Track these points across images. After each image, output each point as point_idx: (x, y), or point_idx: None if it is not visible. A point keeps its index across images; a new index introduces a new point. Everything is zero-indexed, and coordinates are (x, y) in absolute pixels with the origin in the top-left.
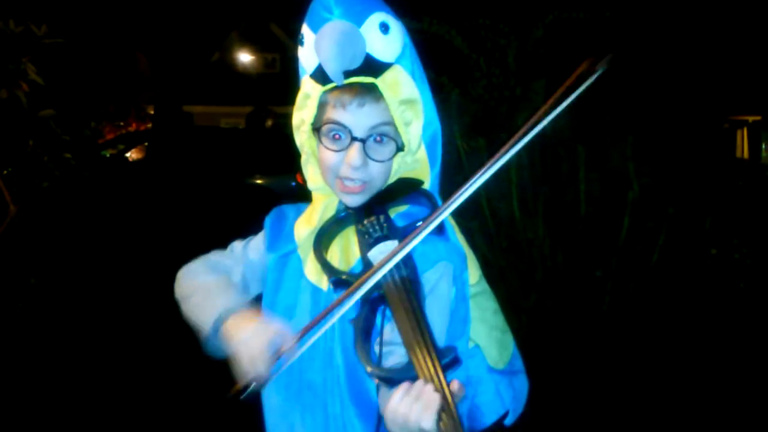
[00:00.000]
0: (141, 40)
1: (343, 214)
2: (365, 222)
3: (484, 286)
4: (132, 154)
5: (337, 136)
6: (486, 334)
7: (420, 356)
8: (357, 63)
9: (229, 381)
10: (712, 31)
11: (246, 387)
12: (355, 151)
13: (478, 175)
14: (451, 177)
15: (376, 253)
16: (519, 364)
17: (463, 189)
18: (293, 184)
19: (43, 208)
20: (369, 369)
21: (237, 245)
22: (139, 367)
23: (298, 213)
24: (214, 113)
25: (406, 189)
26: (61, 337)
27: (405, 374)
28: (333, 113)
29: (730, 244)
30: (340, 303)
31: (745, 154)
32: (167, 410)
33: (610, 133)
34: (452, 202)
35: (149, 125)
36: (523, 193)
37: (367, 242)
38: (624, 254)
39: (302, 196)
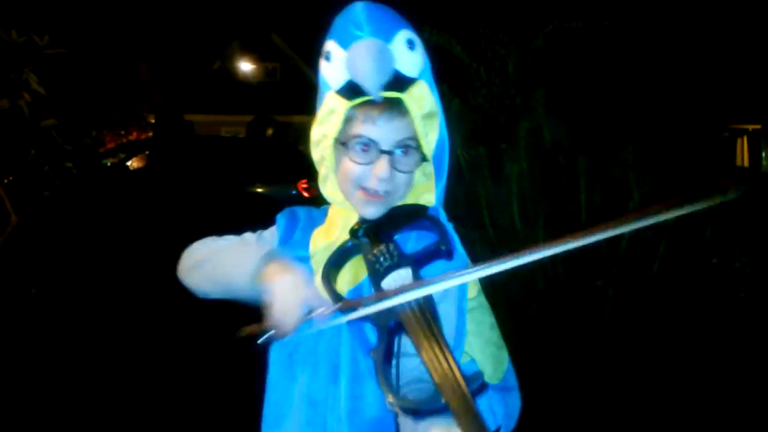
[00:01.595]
0: (142, 50)
1: (349, 244)
2: (375, 251)
3: (482, 300)
4: (133, 163)
5: (364, 149)
6: (481, 349)
7: (448, 386)
8: (386, 79)
9: (228, 392)
10: (712, 41)
11: (264, 333)
12: (383, 163)
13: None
14: (451, 187)
15: (390, 282)
16: (513, 380)
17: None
18: (294, 192)
19: (45, 218)
20: (393, 400)
21: (249, 235)
22: (140, 376)
23: (310, 217)
24: (215, 122)
25: (411, 215)
26: (63, 347)
27: (432, 405)
28: (361, 128)
29: (731, 253)
30: (382, 298)
31: (746, 163)
32: (165, 422)
33: (610, 142)
34: (487, 267)
35: (150, 134)
36: (524, 203)
37: (378, 271)
38: (624, 264)
39: (302, 204)
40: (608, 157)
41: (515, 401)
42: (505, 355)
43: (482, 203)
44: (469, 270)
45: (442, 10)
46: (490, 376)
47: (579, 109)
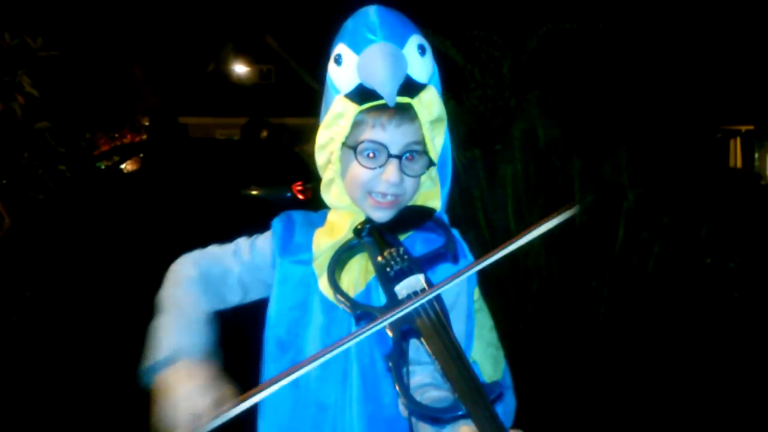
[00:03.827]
0: (136, 52)
1: (354, 242)
2: (385, 254)
3: (482, 304)
4: (127, 166)
5: (372, 155)
6: (482, 351)
7: (469, 394)
8: (399, 83)
9: None
10: (705, 42)
11: None
12: (393, 167)
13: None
14: (448, 189)
15: (401, 288)
16: (509, 380)
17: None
18: (288, 194)
19: (39, 221)
20: (413, 407)
21: (243, 243)
22: (134, 380)
23: (308, 219)
24: (209, 124)
25: (418, 219)
26: (57, 351)
27: (453, 412)
28: (371, 133)
29: (725, 253)
30: (358, 335)
31: (739, 164)
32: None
33: (604, 143)
34: (487, 259)
35: (144, 136)
36: (519, 204)
37: (388, 275)
38: (619, 264)
39: (297, 207)
40: (602, 158)
41: (512, 400)
42: (502, 356)
43: (477, 204)
44: (470, 265)
45: (437, 12)
46: (491, 376)
47: (573, 111)
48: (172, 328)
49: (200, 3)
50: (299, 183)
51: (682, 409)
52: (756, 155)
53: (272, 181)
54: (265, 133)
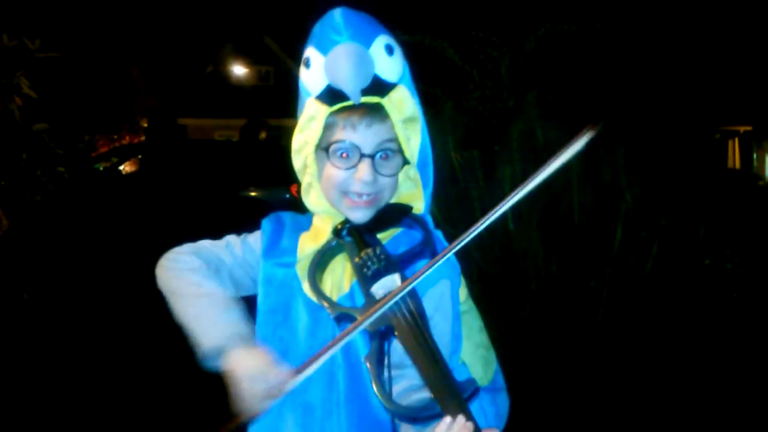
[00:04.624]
0: (134, 53)
1: (333, 243)
2: (362, 254)
3: (471, 305)
4: (125, 167)
5: (345, 155)
6: (472, 352)
7: (443, 393)
8: (366, 83)
9: (217, 398)
10: (703, 44)
11: (242, 421)
12: (365, 167)
13: (487, 216)
14: (446, 189)
15: (378, 288)
16: (501, 381)
17: (471, 230)
18: (287, 196)
19: (37, 223)
20: (390, 407)
21: (234, 240)
22: (133, 381)
23: (296, 221)
24: (208, 126)
25: (396, 215)
26: (56, 352)
27: (429, 411)
28: (342, 133)
29: (723, 254)
30: (347, 335)
31: (737, 164)
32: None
33: (602, 144)
34: (458, 243)
35: (143, 138)
36: (517, 204)
37: (366, 276)
38: (618, 264)
39: (296, 208)
40: (600, 159)
41: (504, 401)
42: (493, 357)
43: (476, 205)
44: (446, 249)
45: (435, 14)
46: (481, 378)
47: (571, 112)
48: (213, 315)
49: (199, 4)
50: None
51: (681, 410)
52: (754, 156)
53: (271, 183)
54: (263, 135)
